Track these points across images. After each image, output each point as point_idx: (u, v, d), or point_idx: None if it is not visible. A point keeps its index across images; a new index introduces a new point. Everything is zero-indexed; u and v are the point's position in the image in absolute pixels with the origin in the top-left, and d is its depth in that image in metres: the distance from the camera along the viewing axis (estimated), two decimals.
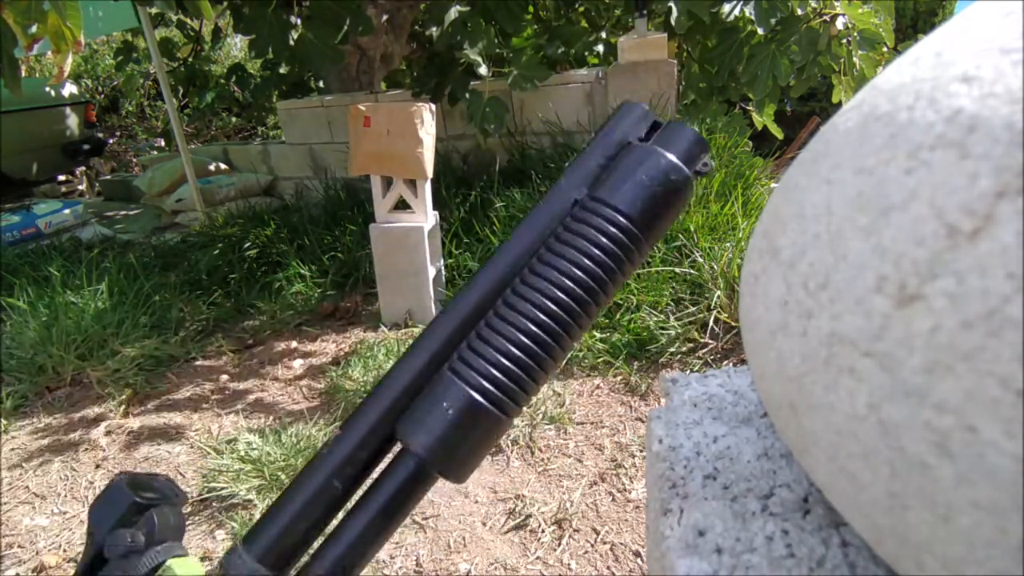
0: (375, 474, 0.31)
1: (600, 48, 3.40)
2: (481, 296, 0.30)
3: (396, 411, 0.29)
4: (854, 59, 2.51)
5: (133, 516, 0.32)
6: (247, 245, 2.97)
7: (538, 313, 0.28)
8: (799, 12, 2.47)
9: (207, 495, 1.56)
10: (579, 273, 0.28)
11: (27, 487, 1.69)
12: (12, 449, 1.86)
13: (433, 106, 2.09)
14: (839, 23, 2.46)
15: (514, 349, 0.28)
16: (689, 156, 0.30)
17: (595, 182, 0.30)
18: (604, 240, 0.28)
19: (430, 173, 2.09)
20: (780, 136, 3.17)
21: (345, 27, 2.60)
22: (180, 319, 2.51)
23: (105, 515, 0.32)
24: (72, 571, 1.39)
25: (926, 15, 5.89)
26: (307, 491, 0.29)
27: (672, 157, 0.29)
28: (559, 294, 0.28)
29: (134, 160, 6.30)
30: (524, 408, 0.32)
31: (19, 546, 1.48)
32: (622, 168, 0.29)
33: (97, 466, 1.75)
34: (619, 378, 1.89)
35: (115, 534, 0.31)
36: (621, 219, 0.28)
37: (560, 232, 0.29)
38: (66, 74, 1.58)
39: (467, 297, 0.30)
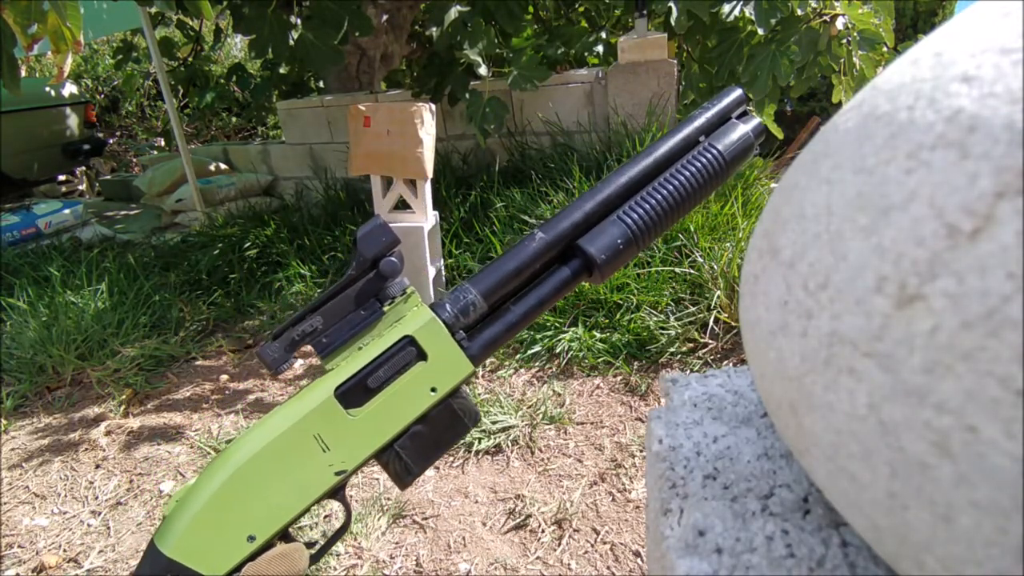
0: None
1: (600, 48, 3.40)
2: (634, 177, 0.47)
3: (577, 231, 0.46)
4: (854, 59, 2.51)
5: (391, 249, 0.43)
6: (247, 245, 2.97)
7: (674, 196, 0.47)
8: (799, 12, 2.47)
9: None
10: (699, 181, 0.47)
11: (27, 487, 1.69)
12: (12, 449, 1.86)
13: (433, 106, 2.09)
14: (839, 23, 2.46)
15: (658, 214, 0.46)
16: (757, 133, 0.50)
17: (709, 134, 0.49)
18: (714, 167, 0.48)
19: (430, 173, 2.09)
20: (780, 136, 3.17)
21: (345, 27, 2.60)
22: (180, 319, 2.51)
23: (374, 244, 0.43)
24: (72, 571, 1.39)
25: (926, 15, 5.89)
26: (519, 260, 0.45)
27: (750, 132, 0.50)
28: (687, 187, 0.47)
29: (134, 160, 6.30)
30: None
31: (19, 546, 1.48)
32: (725, 130, 0.49)
33: (97, 466, 1.75)
34: (619, 378, 1.89)
35: (387, 261, 0.43)
36: (723, 160, 0.48)
37: (693, 156, 0.48)
38: (66, 74, 1.57)
39: (624, 176, 0.47)
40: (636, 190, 0.47)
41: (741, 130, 0.49)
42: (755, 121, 0.50)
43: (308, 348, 0.44)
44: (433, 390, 0.43)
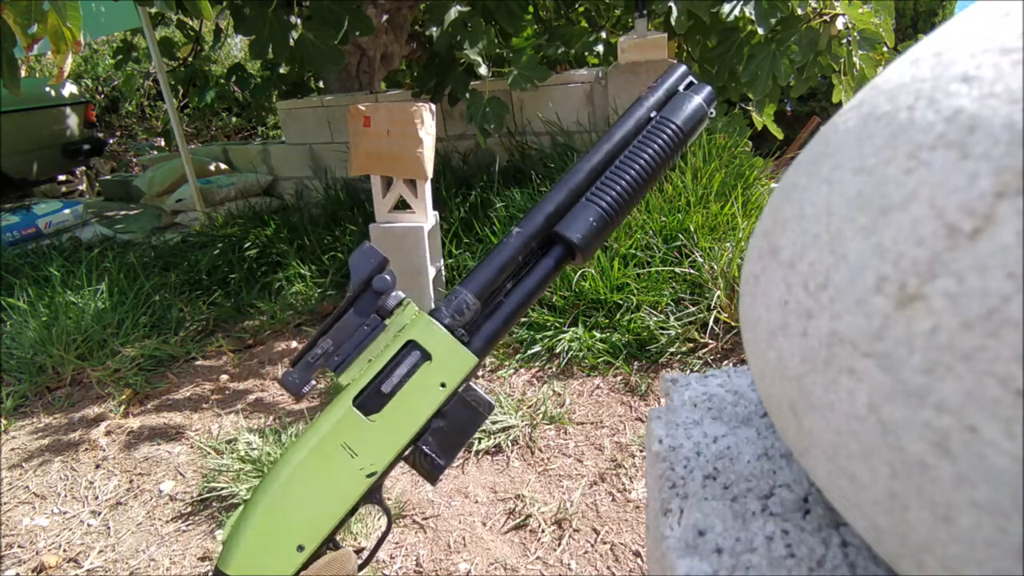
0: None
1: (600, 48, 3.40)
2: (599, 162, 0.51)
3: (551, 222, 0.49)
4: (854, 59, 2.51)
5: (381, 269, 0.47)
6: (247, 245, 2.97)
7: (640, 173, 0.50)
8: (799, 12, 2.47)
9: (207, 495, 1.56)
10: (659, 154, 0.50)
11: (27, 487, 1.69)
12: (12, 449, 1.86)
13: (433, 106, 2.09)
14: (839, 23, 2.46)
15: (625, 191, 0.50)
16: (709, 100, 0.53)
17: (660, 109, 0.52)
18: (671, 139, 0.51)
19: (430, 173, 2.09)
20: (780, 136, 3.17)
21: (345, 27, 2.60)
22: (180, 319, 2.51)
23: (364, 267, 0.47)
24: (72, 571, 1.39)
25: (926, 15, 5.89)
26: (504, 256, 0.48)
27: (702, 101, 0.52)
28: (648, 164, 0.50)
29: (134, 160, 6.30)
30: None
31: (19, 546, 1.48)
32: (678, 103, 0.52)
33: (97, 466, 1.75)
34: (619, 378, 1.89)
35: (379, 279, 0.47)
36: (680, 131, 0.51)
37: (647, 132, 0.51)
38: (66, 74, 1.57)
39: (589, 163, 0.51)
40: (602, 174, 0.51)
41: (694, 101, 0.52)
42: (705, 89, 0.53)
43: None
44: (443, 385, 0.47)
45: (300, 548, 0.44)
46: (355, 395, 0.46)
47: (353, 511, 0.47)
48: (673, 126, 0.51)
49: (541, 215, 0.49)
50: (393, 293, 0.48)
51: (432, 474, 0.47)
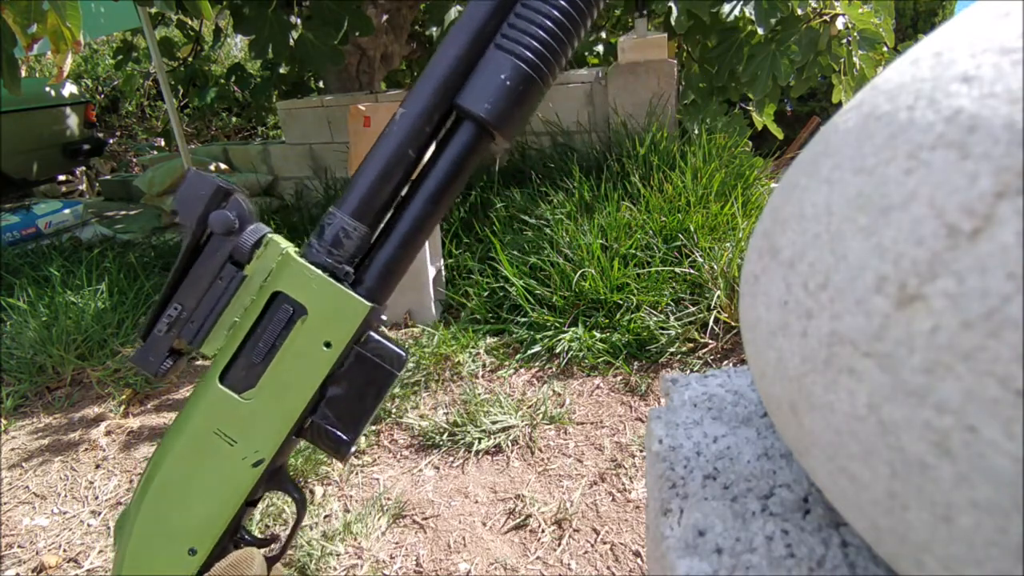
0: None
1: (600, 48, 3.40)
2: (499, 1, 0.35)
3: (449, 89, 0.35)
4: (854, 59, 2.51)
5: (220, 201, 0.36)
6: None
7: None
8: (799, 12, 2.47)
9: None
10: None
11: (27, 487, 1.69)
12: (12, 449, 1.86)
13: None
14: (839, 23, 2.46)
15: (552, 26, 0.34)
16: None
17: None
18: None
19: None
20: (780, 136, 3.17)
21: (345, 27, 2.60)
22: None
23: (193, 201, 0.36)
24: (72, 571, 1.39)
25: (926, 15, 5.90)
26: (384, 156, 0.35)
27: None
28: None
29: (134, 160, 6.30)
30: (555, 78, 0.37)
31: (19, 546, 1.48)
32: None
33: (97, 466, 1.75)
34: (619, 378, 1.89)
35: (216, 214, 0.35)
36: None
37: None
38: (66, 74, 1.58)
39: (482, 6, 0.34)
40: (514, 5, 0.35)
41: None
42: None
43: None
44: (327, 345, 0.37)
45: (192, 551, 0.38)
46: (221, 370, 0.37)
47: (252, 503, 0.40)
48: None
49: (429, 84, 0.35)
50: (249, 228, 0.37)
51: (339, 451, 0.38)
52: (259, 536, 0.43)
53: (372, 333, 0.38)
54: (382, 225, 0.38)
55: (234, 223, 0.36)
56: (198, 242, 0.37)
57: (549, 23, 0.34)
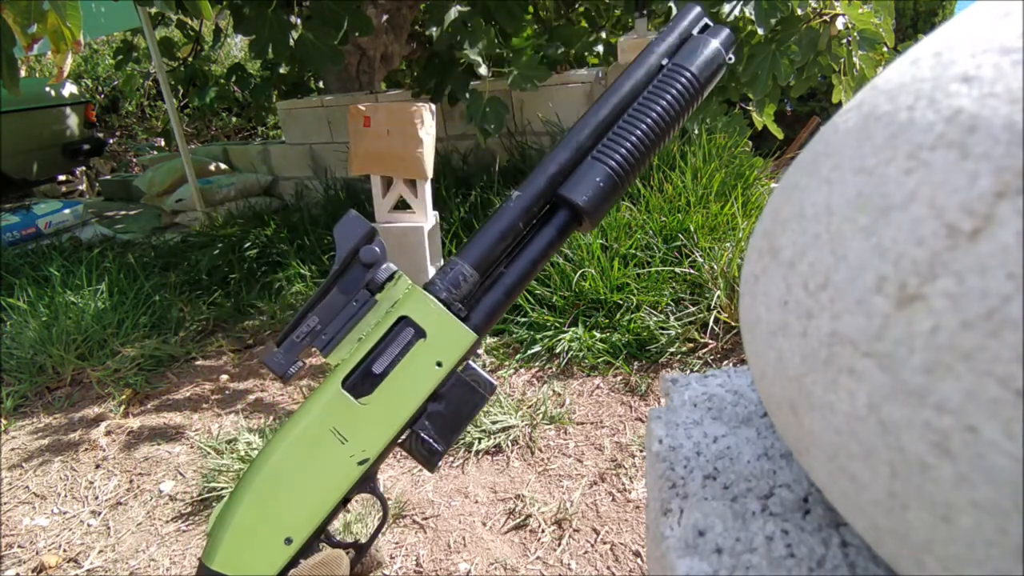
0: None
1: (600, 48, 3.40)
2: (606, 116, 0.46)
3: (554, 184, 0.46)
4: (854, 59, 2.51)
5: (369, 240, 0.45)
6: (247, 245, 2.97)
7: (652, 128, 0.45)
8: (799, 12, 2.47)
9: (207, 495, 1.56)
10: (673, 105, 0.46)
11: (27, 487, 1.69)
12: (12, 449, 1.86)
13: (433, 106, 2.09)
14: (839, 23, 2.46)
15: (636, 147, 0.45)
16: (728, 45, 0.48)
17: (673, 56, 0.47)
18: (686, 88, 0.46)
19: (430, 173, 2.09)
20: (780, 136, 3.17)
21: (345, 27, 2.60)
22: (180, 319, 2.51)
23: (349, 237, 0.44)
24: (72, 571, 1.39)
25: (926, 15, 5.89)
26: (503, 224, 0.45)
27: (720, 45, 0.48)
28: (662, 116, 0.46)
29: (134, 160, 6.30)
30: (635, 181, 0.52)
31: (19, 546, 1.48)
32: (693, 48, 0.47)
33: (97, 466, 1.75)
34: (619, 378, 1.89)
35: (366, 249, 0.44)
36: (695, 79, 0.46)
37: (659, 81, 0.46)
38: (66, 74, 1.57)
39: (595, 118, 0.46)
40: (609, 129, 0.46)
41: (711, 45, 0.47)
42: (723, 32, 0.48)
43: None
44: (439, 364, 0.43)
45: (288, 541, 0.41)
46: (344, 376, 0.43)
47: (345, 501, 0.44)
48: (688, 74, 0.46)
49: (543, 177, 0.45)
50: (384, 265, 0.45)
51: (430, 460, 0.44)
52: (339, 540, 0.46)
53: (470, 362, 0.46)
54: (490, 276, 0.47)
55: (381, 258, 0.45)
56: (344, 269, 0.45)
57: (631, 145, 0.45)
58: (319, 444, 0.42)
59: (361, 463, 0.42)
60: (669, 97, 0.45)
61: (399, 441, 0.44)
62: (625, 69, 0.47)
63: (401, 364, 0.43)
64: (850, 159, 0.23)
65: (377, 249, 0.45)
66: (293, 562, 0.42)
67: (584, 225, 0.47)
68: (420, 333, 0.43)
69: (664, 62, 0.47)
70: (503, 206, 0.46)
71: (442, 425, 0.44)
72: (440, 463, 0.45)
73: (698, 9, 0.49)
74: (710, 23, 0.49)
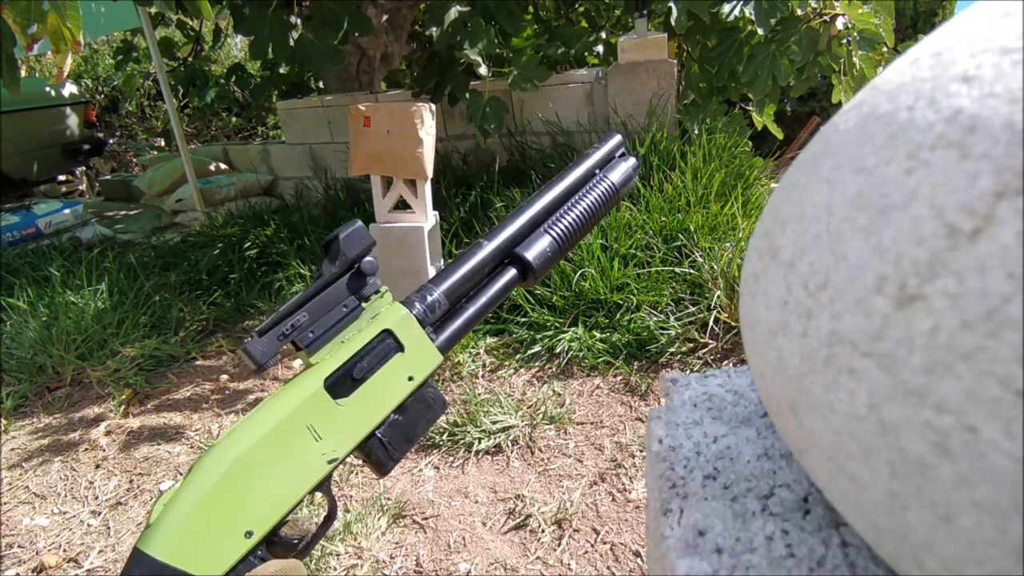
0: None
1: (600, 48, 3.40)
2: (549, 203, 0.58)
3: (514, 242, 0.55)
4: (854, 59, 2.51)
5: (369, 250, 0.48)
6: (247, 245, 2.97)
7: (584, 215, 0.59)
8: (799, 12, 2.47)
9: None
10: (600, 201, 0.60)
11: (27, 487, 1.69)
12: (12, 449, 1.86)
13: (433, 106, 2.09)
14: (839, 23, 2.46)
15: (574, 227, 0.58)
16: (635, 168, 0.65)
17: (603, 168, 0.63)
18: (609, 191, 0.61)
19: (430, 173, 2.09)
20: (780, 136, 3.17)
21: (345, 27, 2.60)
22: (180, 319, 2.51)
23: (355, 245, 0.47)
24: (72, 571, 1.39)
25: (926, 15, 5.89)
26: (473, 265, 0.52)
27: (631, 168, 0.64)
28: (594, 209, 0.59)
29: (134, 160, 6.30)
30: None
31: (19, 546, 1.48)
32: (615, 165, 0.64)
33: (97, 466, 1.75)
34: (619, 378, 1.89)
35: (368, 260, 0.47)
36: (615, 187, 0.62)
37: (591, 185, 0.61)
38: (66, 74, 1.57)
39: (547, 196, 0.58)
40: (555, 209, 0.58)
41: (626, 166, 0.64)
42: (631, 160, 0.65)
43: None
44: (410, 379, 0.47)
45: (249, 534, 0.39)
46: (327, 375, 0.44)
47: (307, 495, 0.43)
48: (610, 182, 0.61)
49: (508, 233, 0.55)
50: (374, 278, 0.48)
51: (384, 467, 0.46)
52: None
53: (431, 381, 0.50)
54: (455, 307, 0.53)
55: (376, 270, 0.48)
56: (342, 273, 0.47)
57: (572, 226, 0.58)
58: (295, 438, 0.42)
59: (331, 462, 0.44)
60: (598, 194, 0.60)
61: (360, 445, 0.46)
62: (569, 165, 0.62)
63: (379, 373, 0.46)
64: (850, 159, 0.23)
65: (375, 261, 0.48)
66: (245, 559, 0.40)
67: (528, 280, 0.56)
68: (399, 347, 0.47)
69: (596, 171, 0.62)
70: (473, 249, 0.53)
71: (399, 435, 0.47)
72: (391, 470, 0.48)
73: (619, 138, 0.65)
74: (625, 151, 0.65)
